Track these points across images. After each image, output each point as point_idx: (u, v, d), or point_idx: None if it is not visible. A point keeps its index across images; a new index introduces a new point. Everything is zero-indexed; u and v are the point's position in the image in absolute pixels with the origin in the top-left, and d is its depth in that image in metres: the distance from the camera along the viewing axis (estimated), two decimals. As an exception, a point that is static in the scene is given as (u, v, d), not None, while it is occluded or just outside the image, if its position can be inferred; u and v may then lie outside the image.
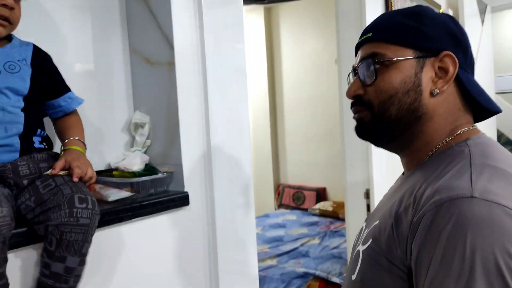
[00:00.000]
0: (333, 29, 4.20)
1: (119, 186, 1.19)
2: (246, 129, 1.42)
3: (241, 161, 1.39)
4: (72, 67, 1.24)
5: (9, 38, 0.93)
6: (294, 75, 4.62)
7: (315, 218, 4.10)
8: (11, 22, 0.87)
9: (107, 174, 1.21)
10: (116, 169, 1.23)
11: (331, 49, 4.28)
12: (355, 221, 2.09)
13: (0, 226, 0.72)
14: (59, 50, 1.16)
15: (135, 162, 1.22)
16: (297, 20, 4.58)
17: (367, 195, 2.05)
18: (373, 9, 1.97)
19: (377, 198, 1.97)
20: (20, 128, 0.88)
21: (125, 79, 1.36)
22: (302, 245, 3.46)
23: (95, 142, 1.23)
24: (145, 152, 1.31)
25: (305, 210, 4.36)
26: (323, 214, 4.14)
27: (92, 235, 0.83)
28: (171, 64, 1.24)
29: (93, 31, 1.28)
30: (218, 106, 1.31)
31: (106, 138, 1.30)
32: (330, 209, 4.08)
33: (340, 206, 3.96)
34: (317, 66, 4.42)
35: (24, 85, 0.89)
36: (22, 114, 0.89)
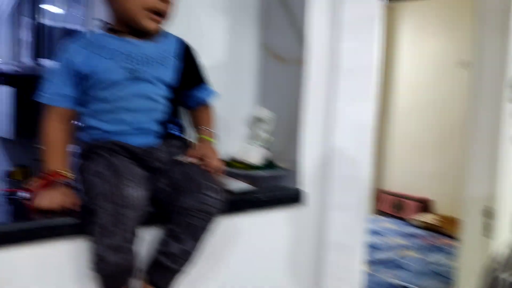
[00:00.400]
0: (458, 30, 3.93)
1: (239, 177, 1.25)
2: (368, 131, 1.37)
3: (360, 164, 1.35)
4: (204, 59, 1.32)
5: (162, 32, 0.99)
6: (411, 77, 4.37)
7: (416, 230, 3.86)
8: (165, 16, 0.93)
9: (228, 165, 1.28)
10: (237, 160, 1.29)
11: (455, 50, 3.97)
12: (471, 242, 1.91)
13: (136, 205, 0.77)
14: (194, 41, 1.24)
15: (255, 155, 1.26)
16: (420, 19, 4.31)
17: (487, 213, 1.85)
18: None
19: (502, 218, 1.77)
20: (162, 115, 0.94)
21: (254, 75, 1.40)
22: (399, 255, 3.28)
23: (218, 132, 1.29)
24: (265, 147, 1.35)
25: (405, 220, 4.13)
26: (425, 227, 3.88)
27: (214, 223, 0.87)
28: (301, 61, 1.24)
29: (227, 26, 1.34)
30: (343, 105, 1.29)
31: (230, 129, 1.36)
32: (435, 222, 3.81)
33: (447, 221, 3.68)
34: (438, 69, 4.12)
35: (170, 75, 0.95)
36: (164, 102, 0.94)
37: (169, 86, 0.95)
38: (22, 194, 2.84)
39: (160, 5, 0.90)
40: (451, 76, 3.93)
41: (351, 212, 1.35)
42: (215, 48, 1.32)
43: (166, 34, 0.99)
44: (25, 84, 2.88)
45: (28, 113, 2.96)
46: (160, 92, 0.93)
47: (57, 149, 0.90)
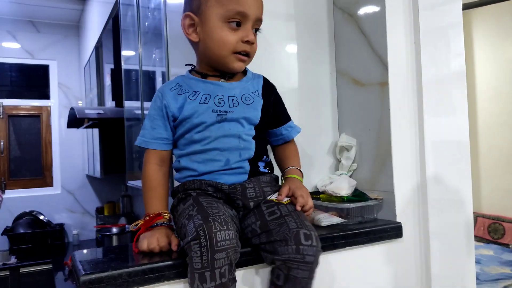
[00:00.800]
0: None
1: (327, 210, 1.18)
2: (465, 147, 1.25)
3: (460, 186, 1.22)
4: (281, 90, 1.29)
5: (244, 71, 1.01)
6: (491, 86, 4.03)
7: (519, 257, 3.44)
8: (250, 56, 0.95)
9: (314, 197, 1.21)
10: (324, 192, 1.22)
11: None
12: None
13: (227, 248, 0.75)
14: (272, 74, 1.22)
15: (343, 186, 1.18)
16: (494, 24, 4.00)
17: None
18: None
19: None
20: (251, 153, 0.94)
21: (332, 101, 1.35)
22: (504, 287, 2.93)
23: (301, 164, 1.24)
24: (350, 176, 1.27)
25: (505, 245, 3.71)
26: (530, 252, 3.45)
27: (316, 271, 0.82)
28: (383, 84, 1.17)
29: (301, 55, 1.31)
30: (433, 126, 1.19)
31: (312, 160, 1.31)
32: (542, 248, 3.37)
33: (556, 245, 3.24)
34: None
35: (256, 115, 0.95)
36: (253, 142, 0.94)
37: (256, 125, 0.95)
38: (113, 230, 2.97)
39: (247, 47, 0.92)
40: None
41: (457, 243, 1.21)
42: (291, 78, 1.30)
43: (248, 73, 1.01)
44: (108, 126, 3.09)
45: (112, 152, 3.16)
46: (248, 132, 0.94)
47: (157, 192, 0.93)
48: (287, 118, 1.04)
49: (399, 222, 1.12)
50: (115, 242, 2.82)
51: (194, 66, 1.00)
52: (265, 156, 0.98)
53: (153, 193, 0.92)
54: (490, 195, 4.02)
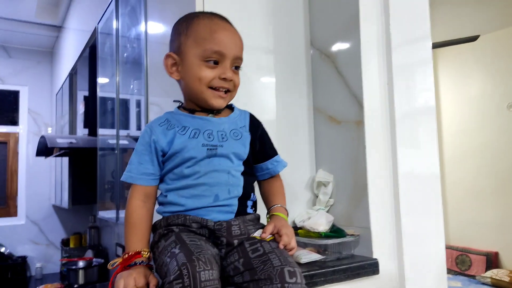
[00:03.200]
0: (504, 71, 3.81)
1: (305, 246, 1.18)
2: (436, 180, 1.31)
3: (433, 218, 1.27)
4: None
5: (230, 107, 1.02)
6: (456, 122, 4.22)
7: (486, 289, 3.52)
8: (230, 91, 0.96)
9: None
10: (302, 227, 1.23)
11: (501, 92, 3.83)
12: None
13: (207, 283, 0.73)
14: (250, 108, 1.24)
15: (321, 222, 1.20)
16: (459, 63, 4.24)
17: None
18: None
19: None
20: (240, 191, 0.94)
21: (309, 137, 1.38)
22: (473, 320, 2.97)
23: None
24: (327, 211, 1.29)
25: (472, 276, 3.79)
26: (496, 284, 3.53)
27: None
28: (359, 122, 1.21)
29: (279, 90, 1.34)
30: (406, 160, 1.23)
31: (289, 195, 1.31)
32: (507, 279, 3.47)
33: (521, 277, 3.34)
34: (484, 112, 3.97)
35: (245, 150, 0.96)
36: (241, 178, 0.95)
37: (244, 161, 0.96)
38: (79, 263, 2.84)
39: (225, 84, 0.93)
40: (499, 119, 3.76)
41: (431, 281, 1.23)
42: (269, 112, 1.32)
43: (235, 109, 1.02)
44: (79, 155, 3.02)
45: (82, 182, 3.08)
46: (237, 168, 0.94)
47: (139, 228, 0.91)
48: (274, 153, 1.04)
49: (376, 259, 1.14)
50: (81, 276, 2.69)
51: (182, 103, 1.00)
52: (252, 194, 0.98)
53: (135, 229, 0.90)
54: (457, 227, 4.13)
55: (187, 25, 0.94)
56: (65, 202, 3.12)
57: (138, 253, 0.87)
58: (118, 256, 2.29)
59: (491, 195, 3.88)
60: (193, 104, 0.97)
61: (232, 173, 0.93)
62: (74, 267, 2.68)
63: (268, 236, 0.90)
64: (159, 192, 0.97)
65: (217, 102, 0.94)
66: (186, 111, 0.98)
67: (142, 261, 0.86)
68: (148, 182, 0.93)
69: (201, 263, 0.74)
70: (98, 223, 3.29)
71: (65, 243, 3.63)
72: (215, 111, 0.97)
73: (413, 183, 1.24)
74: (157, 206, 0.96)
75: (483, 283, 3.60)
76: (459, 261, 4.00)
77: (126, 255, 0.87)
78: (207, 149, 0.91)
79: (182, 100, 1.01)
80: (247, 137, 0.97)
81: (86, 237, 3.47)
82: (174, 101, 1.02)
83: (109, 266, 0.89)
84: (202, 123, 0.95)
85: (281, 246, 0.88)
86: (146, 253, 0.88)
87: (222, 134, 0.94)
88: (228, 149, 0.92)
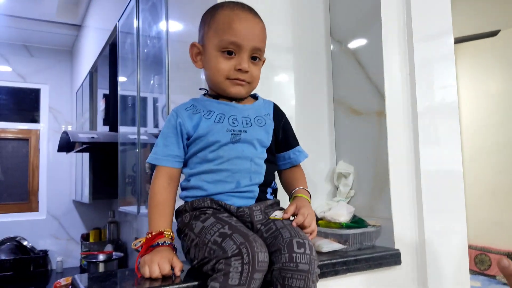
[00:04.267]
0: None
1: (327, 236, 1.19)
2: (458, 176, 1.29)
3: (455, 215, 1.26)
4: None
5: (255, 96, 1.04)
6: (475, 120, 4.16)
7: (507, 288, 3.46)
8: (249, 82, 0.97)
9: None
10: (322, 218, 1.23)
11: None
12: None
13: (264, 270, 0.77)
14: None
15: (342, 212, 1.20)
16: (478, 59, 4.17)
17: None
18: None
19: None
20: (261, 178, 0.95)
21: (329, 129, 1.38)
22: (493, 319, 2.93)
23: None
24: (348, 203, 1.29)
25: (492, 276, 3.73)
26: (517, 284, 3.47)
27: (313, 281, 0.82)
28: (380, 113, 1.21)
29: (299, 84, 1.35)
30: (428, 155, 1.22)
31: (310, 186, 1.31)
32: (529, 279, 3.39)
33: (543, 277, 3.27)
34: (505, 109, 3.90)
35: (268, 138, 0.97)
36: (264, 165, 0.96)
37: (267, 148, 0.97)
38: (100, 257, 2.89)
39: (240, 75, 0.94)
40: None
41: (452, 271, 1.22)
42: (290, 106, 1.33)
43: (259, 98, 1.04)
44: (100, 150, 3.07)
45: (102, 177, 3.13)
46: (260, 155, 0.96)
47: (162, 209, 0.92)
48: (296, 143, 1.06)
49: (398, 249, 1.14)
50: (101, 269, 2.75)
51: (207, 90, 1.03)
52: (273, 182, 1.00)
53: (158, 210, 0.91)
54: (476, 226, 4.07)
55: (211, 15, 0.97)
56: (85, 197, 3.18)
57: (161, 233, 0.88)
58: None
59: (511, 194, 3.81)
60: (216, 92, 0.99)
61: (255, 161, 0.94)
62: (94, 260, 2.73)
63: (286, 216, 0.91)
64: (182, 177, 0.98)
65: (236, 89, 0.95)
66: (211, 97, 1.00)
67: (165, 242, 0.87)
68: (173, 164, 0.94)
69: (258, 244, 0.77)
70: (117, 218, 3.34)
71: (85, 237, 3.70)
72: (238, 99, 0.99)
73: (435, 178, 1.24)
74: (179, 192, 0.98)
75: (504, 284, 3.54)
76: (478, 261, 3.94)
77: (150, 235, 0.88)
78: (232, 134, 0.92)
79: (195, 91, 1.03)
80: (270, 125, 0.99)
81: (105, 232, 3.53)
82: (200, 89, 1.04)
83: (132, 246, 0.90)
84: (227, 108, 0.96)
85: (294, 224, 0.89)
86: (169, 233, 0.89)
87: (246, 120, 0.95)
88: (252, 135, 0.94)
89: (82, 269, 3.42)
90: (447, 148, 1.29)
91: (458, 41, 3.14)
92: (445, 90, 1.30)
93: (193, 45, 0.99)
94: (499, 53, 3.98)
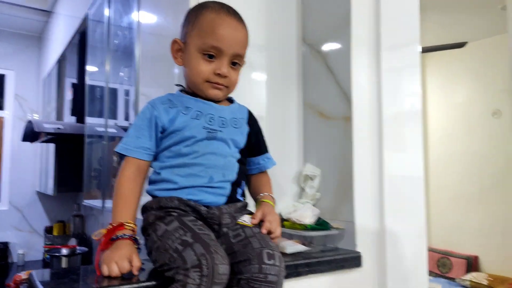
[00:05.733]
0: (490, 78, 3.88)
1: (291, 237, 1.19)
2: (419, 182, 1.33)
3: (416, 219, 1.29)
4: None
5: (230, 100, 1.04)
6: (443, 127, 4.28)
7: (465, 291, 3.59)
8: (227, 86, 0.97)
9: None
10: (288, 219, 1.24)
11: (487, 100, 3.90)
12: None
13: (223, 283, 0.76)
14: (240, 101, 1.25)
15: (307, 214, 1.21)
16: (446, 69, 4.30)
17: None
18: None
19: None
20: (234, 176, 0.95)
21: (298, 131, 1.39)
22: (452, 320, 3.04)
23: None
24: (313, 205, 1.30)
25: (452, 279, 3.87)
26: (475, 287, 3.61)
27: None
28: (347, 118, 1.23)
29: (270, 85, 1.36)
30: (392, 160, 1.25)
31: (277, 188, 1.32)
32: (485, 282, 3.54)
33: (498, 280, 3.42)
34: (470, 119, 4.04)
35: (242, 139, 0.98)
36: (237, 164, 0.97)
37: (240, 150, 0.98)
38: (63, 251, 2.80)
39: (219, 80, 0.95)
40: (485, 126, 3.83)
41: (411, 275, 1.26)
42: (259, 106, 1.33)
43: (235, 102, 1.04)
44: (66, 141, 2.98)
45: (68, 169, 3.04)
46: (234, 154, 0.97)
47: (127, 200, 0.90)
48: (266, 149, 1.07)
49: (359, 252, 1.16)
50: (64, 264, 2.67)
51: (184, 87, 1.02)
52: (243, 183, 1.00)
53: (123, 201, 0.89)
54: (439, 230, 4.20)
55: (195, 15, 0.96)
56: (50, 189, 3.09)
57: (122, 225, 0.86)
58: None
59: (474, 201, 3.95)
60: (194, 91, 0.99)
61: (228, 159, 0.95)
62: (57, 254, 2.65)
63: (253, 221, 0.92)
64: (151, 170, 0.97)
65: (213, 92, 0.96)
66: (189, 95, 0.99)
67: (124, 234, 0.85)
68: (143, 156, 0.93)
69: (219, 256, 0.76)
70: (83, 212, 3.26)
71: (48, 230, 3.59)
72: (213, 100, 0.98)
73: (398, 183, 1.27)
74: (147, 186, 0.96)
75: (463, 286, 3.67)
76: (441, 264, 4.07)
77: (111, 226, 0.86)
78: (208, 131, 0.93)
79: (166, 84, 1.02)
80: (245, 128, 1.00)
81: (70, 225, 3.44)
82: (176, 84, 1.03)
83: (93, 236, 0.88)
84: (205, 106, 0.96)
85: (264, 231, 0.90)
86: (131, 225, 0.87)
87: (222, 120, 0.96)
88: (227, 135, 0.95)
89: (45, 263, 3.32)
90: (410, 154, 1.32)
91: (427, 50, 3.22)
92: (410, 98, 1.33)
93: (174, 42, 0.98)
94: (466, 64, 4.11)
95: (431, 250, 4.18)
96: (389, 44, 1.28)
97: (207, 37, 0.92)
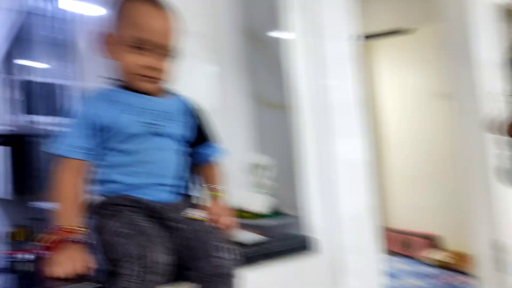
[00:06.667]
0: (439, 62, 4.00)
1: (246, 227, 1.20)
2: (362, 166, 1.36)
3: (362, 202, 1.33)
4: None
5: (171, 91, 1.01)
6: (396, 111, 4.42)
7: (429, 269, 3.74)
8: (159, 78, 0.94)
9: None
10: (241, 209, 1.24)
11: (436, 83, 4.04)
12: (487, 278, 1.83)
13: (165, 274, 0.77)
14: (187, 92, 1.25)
15: (261, 204, 1.22)
16: (396, 54, 4.43)
17: (497, 247, 1.78)
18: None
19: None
20: (180, 170, 0.94)
21: (248, 122, 1.40)
22: (418, 299, 3.14)
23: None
24: (267, 194, 1.31)
25: (415, 258, 4.01)
26: (438, 265, 3.76)
27: (235, 285, 0.84)
28: (293, 107, 1.24)
29: (216, 75, 1.36)
30: (340, 146, 1.29)
31: (230, 178, 1.33)
32: (447, 259, 3.69)
33: (459, 257, 3.57)
34: (420, 103, 4.19)
35: (185, 132, 0.97)
36: (182, 158, 0.96)
37: (182, 142, 0.97)
38: (25, 256, 2.72)
39: (148, 72, 0.92)
40: (431, 107, 3.98)
41: (367, 255, 1.29)
42: (207, 97, 1.33)
43: (173, 94, 1.02)
44: (19, 143, 2.86)
45: (24, 172, 2.93)
46: (176, 147, 0.95)
47: (71, 204, 0.87)
48: (209, 139, 1.05)
49: (315, 238, 1.18)
50: (25, 269, 2.59)
51: (120, 81, 0.97)
52: (191, 176, 0.99)
53: (68, 204, 0.86)
54: (399, 211, 4.34)
55: (122, 7, 0.93)
56: (7, 193, 2.97)
57: (73, 230, 0.84)
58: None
59: (430, 181, 4.09)
60: (128, 85, 0.95)
61: (171, 152, 0.93)
62: (16, 260, 2.56)
63: (204, 216, 0.92)
64: (94, 170, 0.93)
65: (146, 85, 0.93)
66: (126, 89, 0.95)
67: (75, 238, 0.83)
68: (82, 156, 0.89)
69: (160, 247, 0.77)
70: (43, 215, 3.16)
71: (8, 235, 3.46)
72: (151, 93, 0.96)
73: (347, 168, 1.30)
74: (93, 186, 0.93)
75: (426, 264, 3.82)
76: (404, 244, 4.21)
77: (61, 231, 0.83)
78: (149, 127, 0.91)
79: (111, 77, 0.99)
80: (188, 120, 0.98)
81: (29, 230, 3.33)
82: (109, 78, 0.98)
83: (41, 242, 0.85)
84: (145, 101, 0.93)
85: (214, 224, 0.90)
86: (79, 228, 0.85)
87: (164, 114, 0.94)
88: (170, 129, 0.93)
89: (4, 269, 3.20)
90: (357, 139, 1.35)
91: (374, 36, 3.27)
92: (353, 85, 1.36)
93: (102, 35, 0.94)
94: (416, 49, 4.23)
95: (395, 231, 4.31)
96: (331, 33, 1.30)
97: (134, 29, 0.90)
